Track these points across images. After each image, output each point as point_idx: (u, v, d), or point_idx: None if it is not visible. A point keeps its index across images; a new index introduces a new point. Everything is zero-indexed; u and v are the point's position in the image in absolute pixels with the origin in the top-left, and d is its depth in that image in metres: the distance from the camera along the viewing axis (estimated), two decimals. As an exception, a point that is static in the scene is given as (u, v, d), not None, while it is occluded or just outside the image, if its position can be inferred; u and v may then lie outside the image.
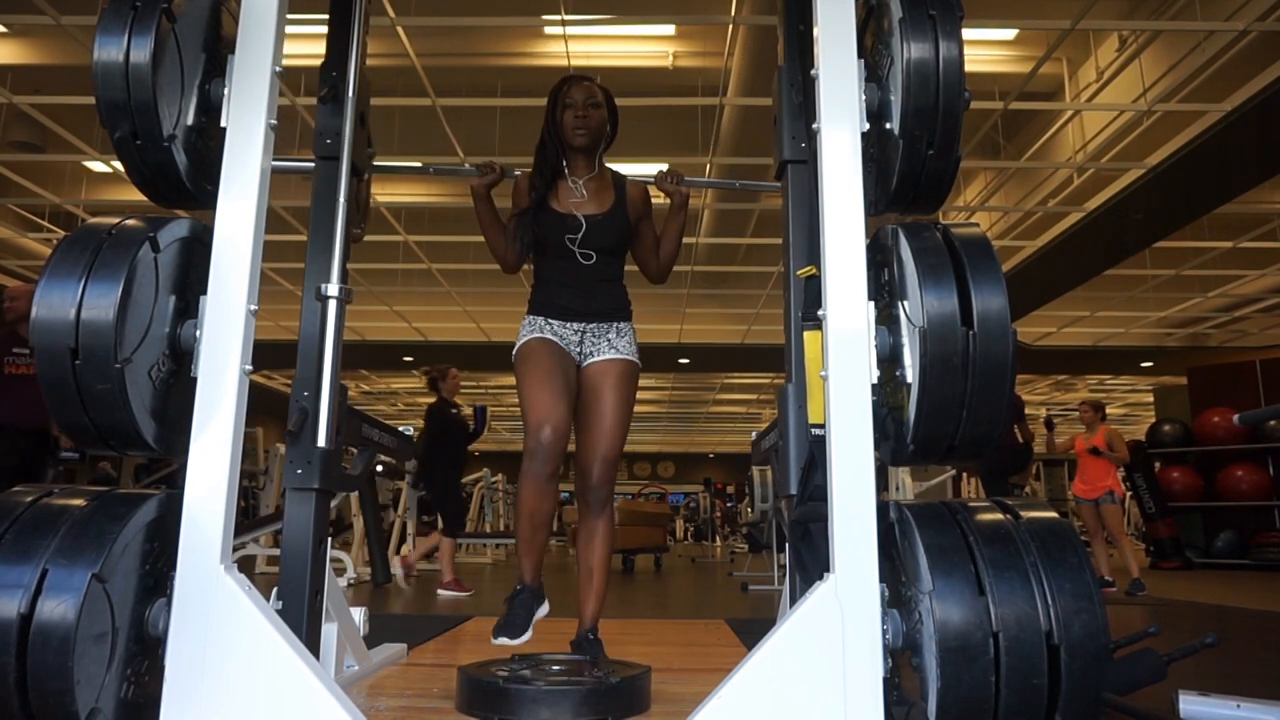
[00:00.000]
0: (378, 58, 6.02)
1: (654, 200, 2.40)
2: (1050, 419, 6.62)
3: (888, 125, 1.62)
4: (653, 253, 2.41)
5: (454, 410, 5.98)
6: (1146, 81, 6.33)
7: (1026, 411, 6.56)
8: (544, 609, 2.16)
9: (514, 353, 2.25)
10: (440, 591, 5.52)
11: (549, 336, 2.23)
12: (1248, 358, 10.40)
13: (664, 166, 2.39)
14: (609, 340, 2.27)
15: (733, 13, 5.73)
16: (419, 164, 2.59)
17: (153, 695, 1.43)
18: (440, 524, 6.11)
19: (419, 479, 6.90)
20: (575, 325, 2.25)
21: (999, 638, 1.30)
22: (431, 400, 5.97)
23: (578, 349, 2.26)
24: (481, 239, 2.34)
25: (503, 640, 2.01)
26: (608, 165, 2.38)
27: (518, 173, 2.34)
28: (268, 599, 1.58)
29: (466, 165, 2.36)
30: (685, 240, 2.43)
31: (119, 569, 1.37)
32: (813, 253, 1.72)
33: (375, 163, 2.28)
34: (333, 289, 1.73)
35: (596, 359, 2.25)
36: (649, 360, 2.32)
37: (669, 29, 6.50)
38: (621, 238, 2.31)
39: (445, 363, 6.18)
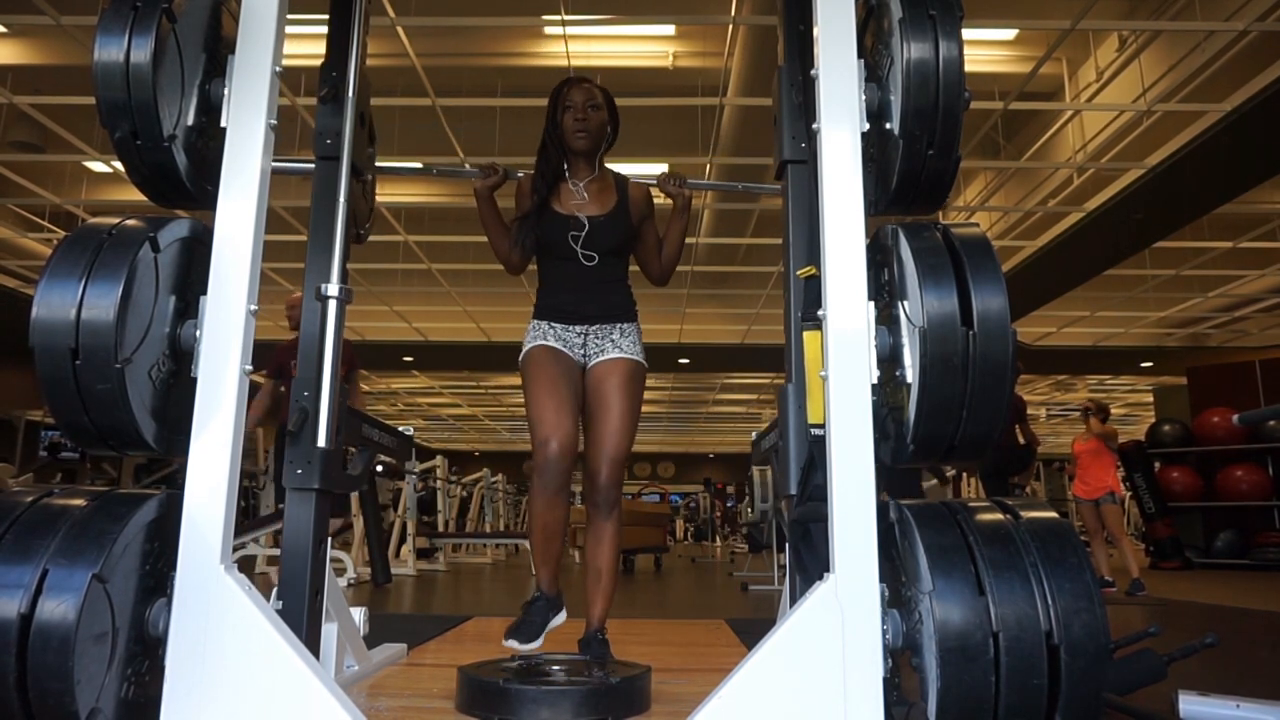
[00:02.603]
0: (378, 58, 6.01)
1: (656, 201, 2.40)
2: (1064, 468, 6.59)
3: (888, 125, 1.62)
4: (655, 255, 2.41)
5: None
6: (1146, 81, 6.32)
7: (1029, 412, 6.56)
8: (560, 618, 2.17)
9: (519, 360, 2.25)
10: None
11: (552, 344, 2.23)
12: (1248, 358, 10.40)
13: (664, 168, 2.37)
14: (612, 340, 2.26)
15: (733, 13, 5.73)
16: (421, 165, 2.57)
17: (153, 695, 1.43)
18: None
19: None
20: (578, 328, 2.25)
21: (999, 638, 1.30)
22: None
23: (581, 352, 2.25)
24: (482, 239, 2.34)
25: (512, 643, 2.02)
26: (609, 167, 2.38)
27: (520, 174, 2.34)
28: (268, 599, 1.58)
29: (468, 166, 2.34)
30: (685, 240, 2.42)
31: (119, 569, 1.37)
32: (813, 253, 1.72)
33: (378, 164, 2.28)
34: (333, 289, 1.73)
35: (600, 359, 2.24)
36: (649, 360, 2.32)
37: (669, 29, 6.49)
38: (624, 239, 2.31)
39: (445, 362, 6.15)
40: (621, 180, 2.36)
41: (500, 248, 2.34)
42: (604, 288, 2.28)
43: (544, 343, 2.24)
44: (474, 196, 2.33)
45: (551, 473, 2.06)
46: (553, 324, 2.26)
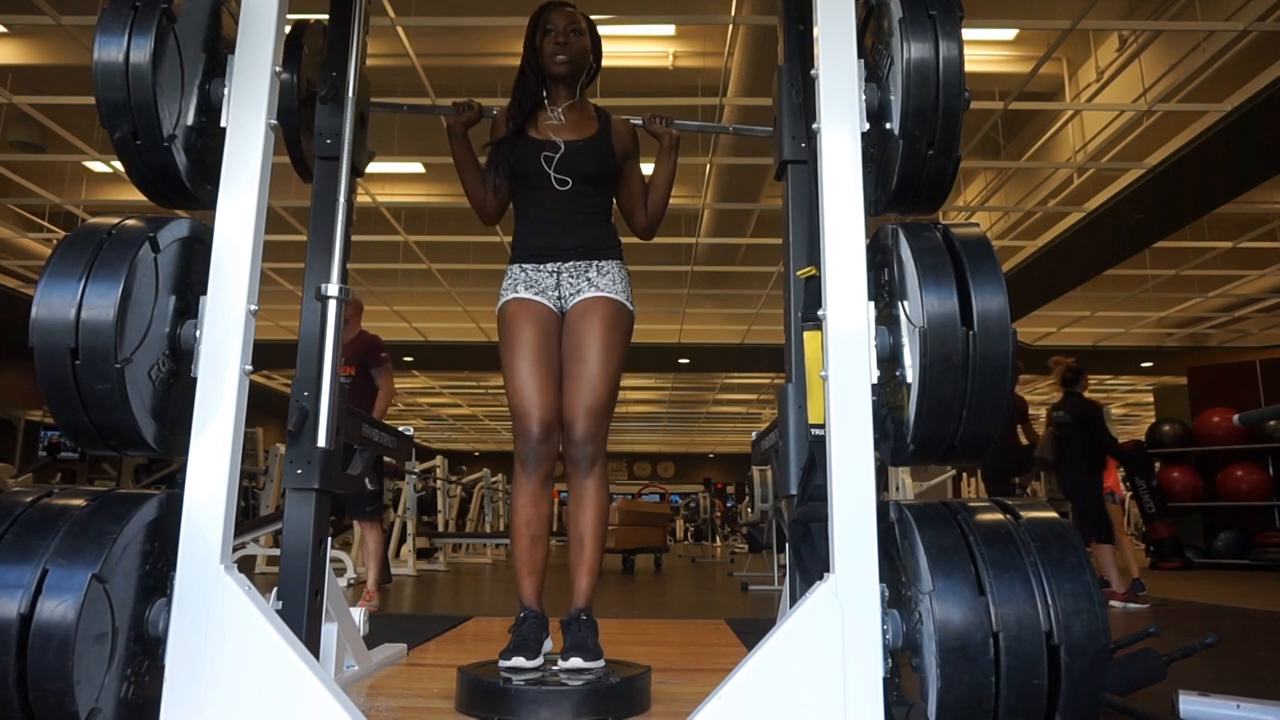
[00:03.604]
0: (378, 58, 6.02)
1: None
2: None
3: (888, 125, 1.62)
4: (640, 200, 2.27)
5: None
6: (1146, 81, 6.33)
7: (1029, 412, 6.56)
8: (549, 643, 2.03)
9: (496, 310, 2.15)
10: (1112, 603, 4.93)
11: (526, 296, 2.10)
12: (1248, 358, 10.39)
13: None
14: (589, 279, 2.11)
15: (733, 13, 5.73)
16: (396, 101, 2.51)
17: (153, 695, 1.43)
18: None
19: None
20: (550, 266, 2.11)
21: (999, 638, 1.30)
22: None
23: (555, 294, 2.11)
24: (482, 238, 2.33)
25: (518, 660, 1.89)
26: (592, 101, 2.29)
27: (495, 111, 2.25)
28: (268, 599, 1.58)
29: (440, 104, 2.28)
30: (685, 240, 2.40)
31: (119, 569, 1.37)
32: (813, 253, 1.72)
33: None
34: (333, 289, 1.73)
35: (577, 299, 2.10)
36: (649, 360, 2.31)
37: (669, 29, 6.50)
38: (602, 167, 2.16)
39: (445, 362, 6.13)
40: (605, 113, 2.24)
41: (474, 190, 2.24)
42: (580, 220, 2.13)
43: (517, 295, 2.11)
44: (447, 135, 2.21)
45: (535, 460, 1.99)
46: (524, 265, 2.13)
